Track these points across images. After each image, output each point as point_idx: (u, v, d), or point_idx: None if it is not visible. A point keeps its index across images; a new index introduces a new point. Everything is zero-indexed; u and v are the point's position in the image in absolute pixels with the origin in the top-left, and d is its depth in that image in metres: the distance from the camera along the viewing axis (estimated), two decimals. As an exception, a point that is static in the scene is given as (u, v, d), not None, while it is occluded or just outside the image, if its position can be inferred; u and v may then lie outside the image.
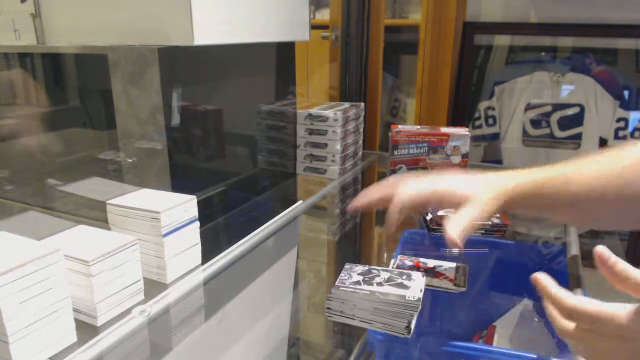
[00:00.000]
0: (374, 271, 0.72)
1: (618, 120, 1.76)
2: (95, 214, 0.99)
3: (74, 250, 0.64)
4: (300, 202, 1.16)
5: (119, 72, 0.90)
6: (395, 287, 0.67)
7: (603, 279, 0.50)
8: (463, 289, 0.76)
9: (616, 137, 1.77)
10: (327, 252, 1.06)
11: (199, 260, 0.83)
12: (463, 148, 1.23)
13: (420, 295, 0.66)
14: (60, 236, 0.70)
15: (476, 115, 1.97)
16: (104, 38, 0.91)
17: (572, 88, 1.82)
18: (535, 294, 0.82)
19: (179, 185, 0.92)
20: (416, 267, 0.81)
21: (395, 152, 1.22)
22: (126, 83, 0.89)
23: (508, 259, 0.90)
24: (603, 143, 1.80)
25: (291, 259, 1.00)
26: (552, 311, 0.53)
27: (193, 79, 0.97)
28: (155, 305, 0.71)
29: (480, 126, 1.96)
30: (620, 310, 0.46)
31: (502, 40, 1.94)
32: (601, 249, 0.48)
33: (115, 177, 0.99)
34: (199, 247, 0.83)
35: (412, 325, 0.62)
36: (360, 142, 1.43)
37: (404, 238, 0.93)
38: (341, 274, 0.72)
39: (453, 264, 0.82)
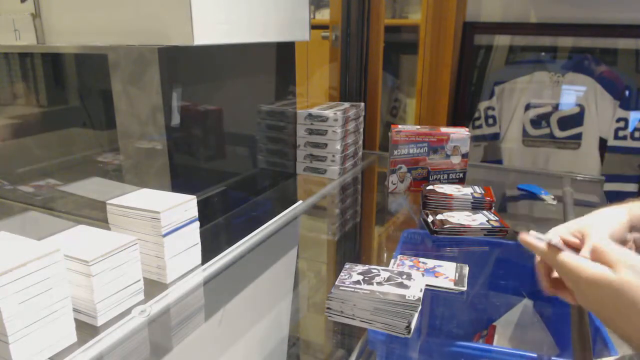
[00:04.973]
0: (374, 271, 0.72)
1: (618, 120, 1.76)
2: (95, 214, 0.99)
3: (74, 250, 0.64)
4: (300, 202, 1.16)
5: (119, 72, 0.90)
6: (395, 286, 0.67)
7: None
8: (463, 289, 0.76)
9: (616, 137, 1.77)
10: (327, 252, 1.06)
11: (199, 260, 0.83)
12: (463, 148, 1.23)
13: (420, 295, 0.65)
14: (60, 236, 0.70)
15: (476, 115, 1.97)
16: (104, 38, 0.91)
17: (572, 88, 1.82)
18: (535, 294, 0.82)
19: (179, 185, 0.92)
20: (416, 267, 0.81)
21: (395, 152, 1.22)
22: (126, 83, 0.89)
23: (508, 259, 0.90)
24: (603, 143, 1.80)
25: (291, 259, 1.00)
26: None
27: (193, 79, 0.97)
28: (155, 305, 0.71)
29: (480, 126, 1.96)
30: (578, 262, 0.52)
31: (502, 40, 1.94)
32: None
33: (115, 177, 0.99)
34: (199, 247, 0.83)
35: (412, 325, 0.62)
36: (360, 142, 1.43)
37: (404, 238, 0.93)
38: (341, 274, 0.72)
39: (453, 264, 0.82)
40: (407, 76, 2.17)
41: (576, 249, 0.60)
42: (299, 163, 1.32)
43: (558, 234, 0.63)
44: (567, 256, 0.54)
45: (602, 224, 0.61)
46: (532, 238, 0.58)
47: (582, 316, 0.62)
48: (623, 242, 0.63)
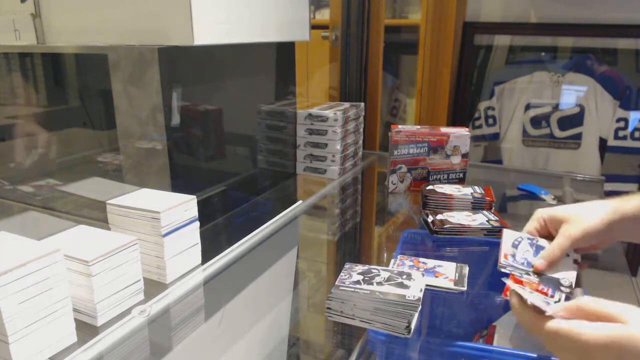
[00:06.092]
0: (374, 271, 0.72)
1: (618, 120, 1.76)
2: (95, 214, 0.99)
3: (74, 250, 0.64)
4: (300, 202, 1.16)
5: (119, 72, 0.90)
6: (395, 286, 0.67)
7: (602, 279, 0.50)
8: (463, 289, 0.76)
9: (616, 137, 1.77)
10: (327, 252, 1.06)
11: (199, 260, 0.83)
12: (463, 148, 1.23)
13: (420, 295, 0.65)
14: (60, 236, 0.70)
15: (476, 115, 1.97)
16: (104, 38, 0.91)
17: (572, 88, 1.82)
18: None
19: (179, 185, 0.92)
20: (416, 267, 0.81)
21: (395, 152, 1.22)
22: (126, 83, 0.89)
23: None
24: (603, 143, 1.80)
25: (291, 259, 1.00)
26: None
27: (193, 79, 0.97)
28: (155, 305, 0.71)
29: (480, 126, 1.96)
30: (580, 329, 0.45)
31: (502, 40, 1.94)
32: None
33: (115, 177, 0.99)
34: (199, 247, 0.83)
35: (412, 325, 0.62)
36: (360, 142, 1.43)
37: (404, 238, 0.92)
38: (341, 274, 0.72)
39: (453, 264, 0.82)
40: (407, 76, 2.17)
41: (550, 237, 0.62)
42: (299, 163, 1.32)
43: (542, 215, 0.64)
44: (558, 323, 0.46)
45: (575, 221, 0.60)
46: (516, 301, 0.54)
47: None
48: (598, 239, 0.61)
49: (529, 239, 0.64)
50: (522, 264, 0.61)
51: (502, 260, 0.61)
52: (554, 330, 0.47)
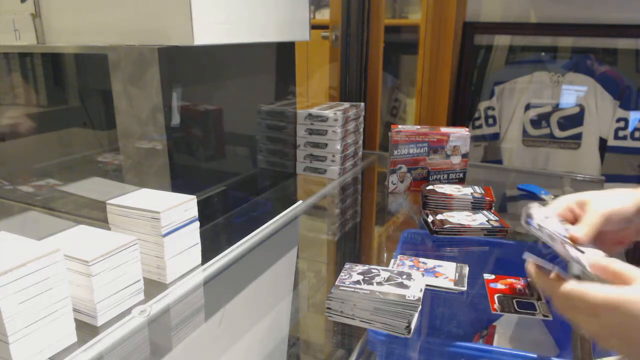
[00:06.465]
0: (374, 271, 0.72)
1: (618, 120, 1.76)
2: (95, 214, 0.99)
3: (74, 250, 0.64)
4: (300, 202, 1.16)
5: (119, 72, 0.90)
6: (395, 286, 0.67)
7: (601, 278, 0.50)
8: (463, 289, 0.76)
9: (616, 137, 1.77)
10: (327, 252, 1.06)
11: (199, 260, 0.83)
12: (463, 148, 1.23)
13: (420, 295, 0.65)
14: (60, 236, 0.70)
15: (476, 115, 1.97)
16: (104, 38, 0.91)
17: (572, 88, 1.82)
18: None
19: (179, 185, 0.92)
20: (416, 267, 0.81)
21: (395, 152, 1.22)
22: (126, 83, 0.89)
23: (508, 259, 0.90)
24: (603, 143, 1.80)
25: (291, 259, 1.00)
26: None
27: (193, 79, 0.97)
28: (155, 305, 0.71)
29: (480, 126, 1.96)
30: (590, 290, 0.47)
31: (502, 40, 1.94)
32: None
33: (115, 177, 0.99)
34: (199, 247, 0.83)
35: (412, 325, 0.62)
36: (360, 142, 1.43)
37: (404, 238, 0.93)
38: (341, 274, 0.72)
39: (453, 264, 0.82)
40: (407, 76, 2.17)
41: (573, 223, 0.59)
42: (299, 163, 1.32)
43: (565, 203, 0.61)
44: (572, 285, 0.48)
45: (603, 200, 0.59)
46: (532, 268, 0.55)
47: None
48: (628, 222, 0.60)
49: (558, 218, 0.61)
50: (555, 230, 0.57)
51: (535, 217, 0.58)
52: (567, 291, 0.48)
